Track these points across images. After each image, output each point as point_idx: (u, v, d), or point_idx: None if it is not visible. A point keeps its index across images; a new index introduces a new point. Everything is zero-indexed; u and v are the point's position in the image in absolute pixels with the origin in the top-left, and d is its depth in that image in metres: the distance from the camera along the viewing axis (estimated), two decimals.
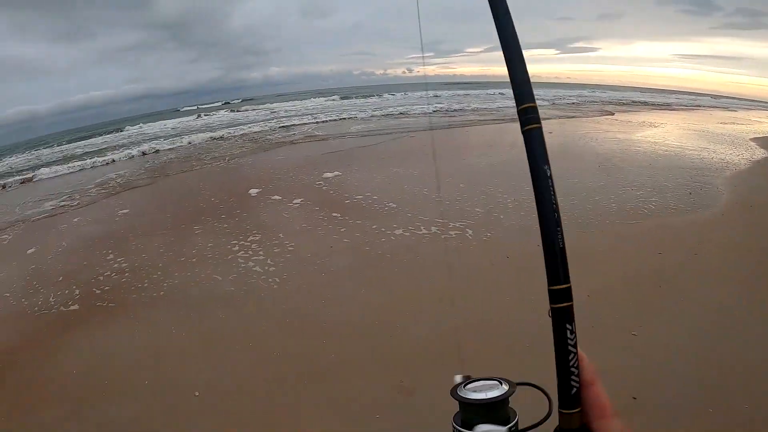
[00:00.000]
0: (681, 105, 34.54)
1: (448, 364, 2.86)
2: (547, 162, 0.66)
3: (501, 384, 0.71)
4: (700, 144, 13.36)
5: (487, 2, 0.77)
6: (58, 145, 26.09)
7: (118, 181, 11.20)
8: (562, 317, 0.62)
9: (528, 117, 0.67)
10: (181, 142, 17.79)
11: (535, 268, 3.01)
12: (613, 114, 23.32)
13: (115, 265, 5.54)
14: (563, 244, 0.64)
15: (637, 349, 3.63)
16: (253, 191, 8.38)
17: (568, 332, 0.62)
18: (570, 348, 0.62)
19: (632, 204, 6.89)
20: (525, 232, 5.73)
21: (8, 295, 5.17)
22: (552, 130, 15.19)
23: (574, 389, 0.61)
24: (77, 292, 4.97)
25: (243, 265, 5.12)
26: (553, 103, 28.39)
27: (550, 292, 0.63)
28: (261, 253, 5.42)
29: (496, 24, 0.76)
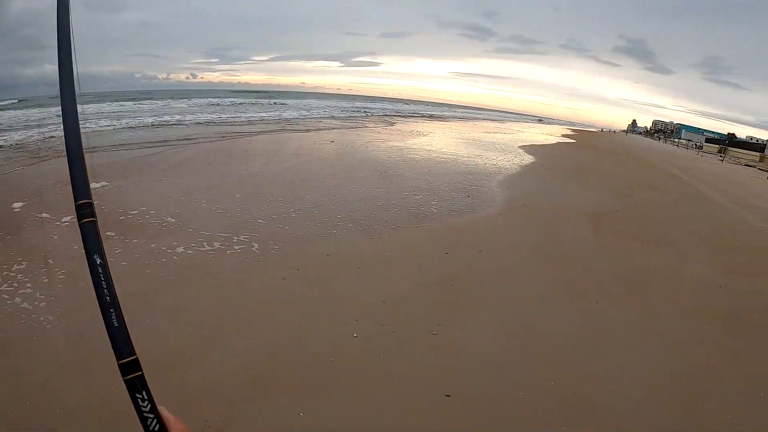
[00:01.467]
0: (457, 117, 40.57)
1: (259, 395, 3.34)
2: (100, 252, 0.75)
3: None
4: (475, 151, 15.84)
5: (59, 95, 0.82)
6: None
7: None
8: (134, 387, 0.67)
9: (84, 212, 0.75)
10: None
11: (327, 277, 5.53)
12: (393, 124, 25.75)
13: None
14: (119, 322, 0.70)
15: (442, 348, 4.05)
16: (17, 205, 7.73)
17: (140, 400, 0.67)
18: (146, 414, 0.66)
19: (415, 209, 7.98)
20: (311, 241, 6.35)
21: None
22: (333, 140, 16.36)
23: None
24: None
25: (9, 303, 4.93)
26: (334, 116, 30.65)
27: (119, 366, 0.68)
28: (29, 285, 5.24)
29: (63, 121, 0.81)
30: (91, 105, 29.40)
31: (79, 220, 0.77)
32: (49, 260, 5.88)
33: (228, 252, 6.05)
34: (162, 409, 0.69)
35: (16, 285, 5.34)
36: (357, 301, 4.90)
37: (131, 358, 0.70)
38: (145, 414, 0.67)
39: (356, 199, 8.56)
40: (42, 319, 4.73)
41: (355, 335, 4.21)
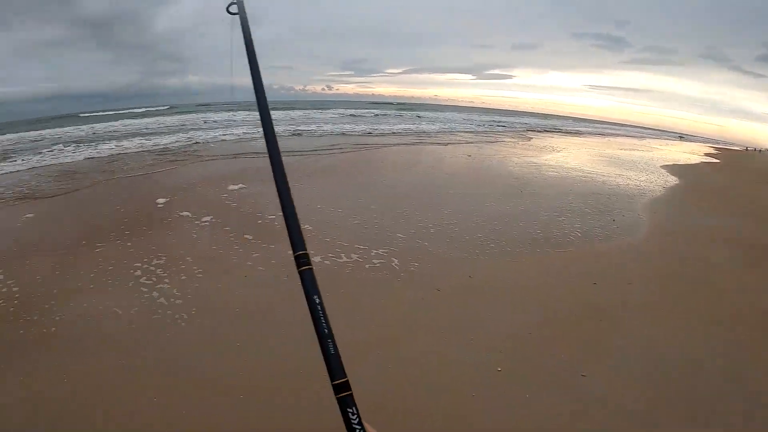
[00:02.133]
0: (593, 132, 38.12)
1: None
2: (317, 293, 0.87)
3: None
4: (615, 170, 14.51)
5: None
6: None
7: (17, 189, 9.83)
8: (346, 404, 0.77)
9: (301, 261, 0.88)
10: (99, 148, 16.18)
11: (467, 300, 5.05)
12: (529, 139, 24.85)
13: (4, 289, 4.91)
14: (335, 349, 0.81)
15: (592, 394, 3.54)
16: (161, 201, 7.91)
17: (350, 414, 0.76)
18: (354, 426, 0.76)
19: (557, 231, 7.19)
20: (450, 261, 5.83)
21: None
22: (470, 154, 15.85)
23: None
24: None
25: (147, 295, 4.74)
26: (468, 130, 29.80)
27: (333, 386, 0.78)
28: (166, 280, 5.06)
29: (277, 187, 0.98)
30: (240, 112, 31.91)
31: (297, 267, 0.89)
32: (188, 258, 5.55)
33: (367, 266, 5.63)
34: (366, 424, 0.78)
35: (154, 279, 5.19)
36: (500, 330, 4.37)
37: (343, 380, 0.79)
38: (354, 425, 0.77)
39: (495, 217, 7.82)
40: (177, 316, 4.42)
41: (499, 369, 3.75)
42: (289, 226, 0.93)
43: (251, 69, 1.13)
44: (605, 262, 6.23)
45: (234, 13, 1.30)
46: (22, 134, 24.70)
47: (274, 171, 1.00)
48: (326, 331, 0.83)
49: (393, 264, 5.65)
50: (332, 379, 0.78)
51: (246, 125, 23.68)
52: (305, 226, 6.56)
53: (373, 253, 5.90)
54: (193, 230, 6.66)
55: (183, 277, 5.16)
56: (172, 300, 4.67)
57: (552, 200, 9.33)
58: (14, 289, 4.97)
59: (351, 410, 0.76)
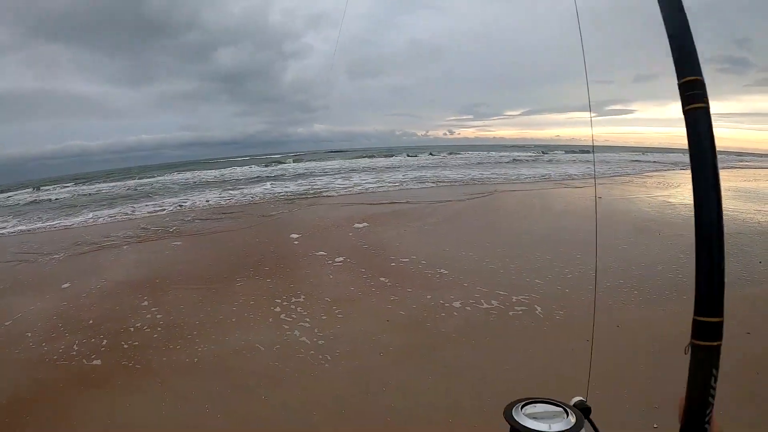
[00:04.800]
0: (722, 164, 33.50)
1: None
2: (714, 154, 0.61)
3: (567, 414, 0.67)
4: (753, 206, 12.65)
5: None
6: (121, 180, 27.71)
7: (163, 227, 11.21)
8: (710, 359, 0.55)
9: (694, 93, 0.61)
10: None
11: (621, 354, 4.24)
12: (658, 177, 22.68)
13: (148, 317, 5.34)
14: (721, 264, 0.57)
15: None
16: (294, 236, 8.19)
17: (713, 379, 0.55)
18: (710, 399, 0.55)
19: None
20: (598, 309, 5.26)
21: (30, 335, 5.03)
22: (601, 195, 14.79)
23: None
24: (104, 343, 4.77)
25: (288, 333, 4.77)
26: (589, 169, 27.91)
27: (696, 323, 0.57)
28: (307, 319, 5.07)
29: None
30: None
31: (684, 106, 0.63)
32: (326, 298, 5.48)
33: (510, 313, 5.29)
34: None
35: (294, 317, 5.22)
36: (653, 386, 3.75)
37: (717, 320, 0.58)
38: (710, 399, 0.55)
39: (637, 262, 7.06)
40: (320, 357, 4.34)
41: (655, 426, 3.31)
42: (678, 40, 0.65)
43: None
44: (757, 308, 5.45)
45: None
46: (166, 177, 28.78)
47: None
48: (718, 228, 0.60)
49: (536, 311, 5.22)
50: (697, 314, 0.59)
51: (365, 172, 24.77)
52: (441, 270, 6.32)
53: (513, 299, 5.53)
54: (328, 270, 6.72)
55: (324, 317, 5.13)
56: (315, 340, 4.62)
57: (692, 241, 8.10)
58: (158, 316, 5.33)
59: (715, 374, 0.56)
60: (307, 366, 4.17)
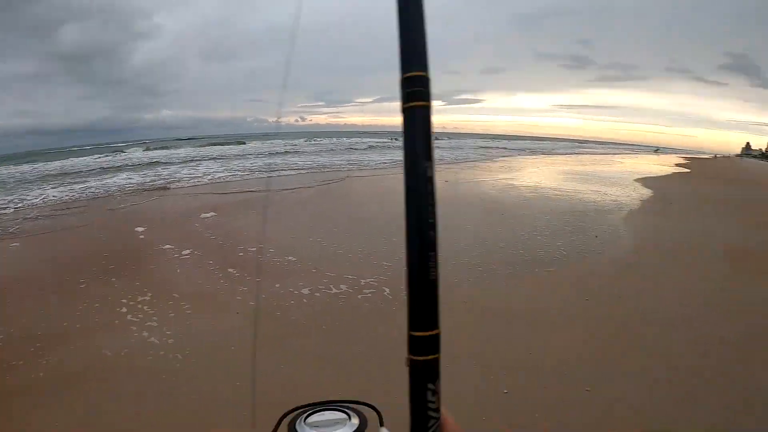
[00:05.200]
0: (565, 151, 39.69)
1: None
2: (430, 157, 0.54)
3: (349, 417, 0.67)
4: (591, 187, 15.16)
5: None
6: None
7: None
8: (426, 373, 0.52)
9: (414, 90, 0.54)
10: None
11: (466, 326, 4.93)
12: (503, 161, 25.66)
13: None
14: (435, 274, 0.54)
15: (598, 405, 3.66)
16: (140, 229, 7.89)
17: (429, 393, 0.51)
18: (431, 413, 0.51)
19: (543, 251, 7.46)
20: (443, 287, 5.88)
21: None
22: (447, 179, 16.33)
23: None
24: None
25: (136, 335, 4.75)
26: (442, 155, 30.39)
27: (411, 339, 0.53)
28: (155, 318, 5.08)
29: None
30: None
31: (403, 103, 0.54)
32: (174, 294, 5.62)
33: (359, 296, 5.68)
34: (444, 412, 0.54)
35: (141, 317, 5.19)
36: (500, 352, 4.49)
37: (432, 333, 0.54)
38: (429, 413, 0.51)
39: (480, 241, 8.07)
40: (171, 356, 4.43)
41: (505, 391, 3.83)
42: (405, 35, 0.56)
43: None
44: (594, 278, 6.49)
45: None
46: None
47: None
48: (432, 233, 0.57)
49: (385, 293, 5.74)
50: (413, 328, 0.55)
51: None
52: (288, 257, 6.75)
53: (362, 282, 6.01)
54: (175, 264, 6.71)
55: (172, 315, 5.19)
56: (164, 339, 4.68)
57: (533, 220, 9.69)
58: None
59: (432, 387, 0.52)
60: (157, 368, 4.19)
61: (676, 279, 6.73)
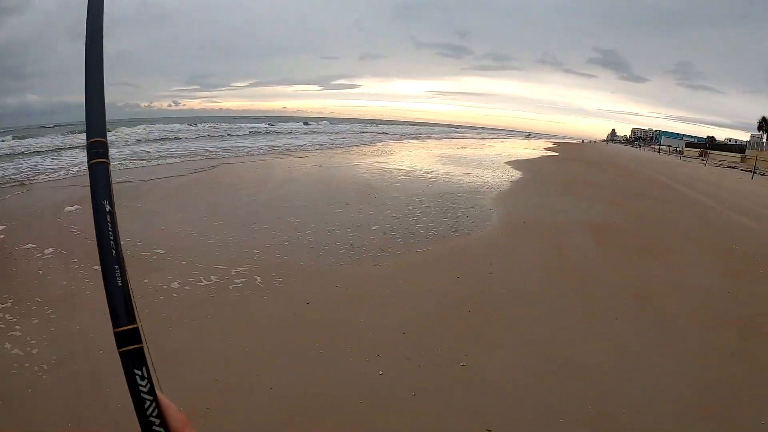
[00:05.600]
0: (439, 135, 41.12)
1: None
2: (110, 199, 0.65)
3: None
4: (463, 170, 15.89)
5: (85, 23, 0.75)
6: None
7: None
8: (131, 362, 0.58)
9: (95, 151, 0.66)
10: None
11: (339, 309, 5.46)
12: (378, 145, 25.82)
13: None
14: (125, 282, 0.63)
15: (473, 380, 3.91)
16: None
17: (138, 378, 0.58)
18: (144, 396, 0.58)
19: (414, 232, 7.84)
20: (316, 272, 6.14)
21: None
22: (321, 164, 16.52)
23: None
24: None
25: None
26: (318, 140, 30.40)
27: (116, 335, 0.60)
28: (18, 327, 4.92)
29: (87, 50, 0.74)
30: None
31: (89, 160, 0.67)
32: (37, 298, 5.54)
33: (230, 287, 5.76)
34: (161, 395, 0.60)
35: (3, 326, 5.02)
36: (375, 335, 4.72)
37: (131, 327, 0.61)
38: (143, 395, 0.58)
39: (353, 224, 8.41)
40: (36, 368, 4.38)
41: (380, 372, 4.04)
42: (89, 104, 0.70)
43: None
44: (465, 256, 6.98)
45: None
46: None
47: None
48: (114, 252, 0.64)
49: (256, 281, 5.91)
50: (115, 326, 0.61)
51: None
52: (157, 250, 6.82)
53: (233, 272, 6.12)
54: (37, 265, 6.46)
55: (36, 321, 5.06)
56: (28, 349, 4.58)
57: (405, 203, 10.07)
58: None
59: (139, 373, 0.59)
60: (23, 382, 4.11)
61: (543, 255, 7.45)
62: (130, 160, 18.70)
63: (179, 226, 8.19)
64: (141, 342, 0.60)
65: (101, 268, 0.64)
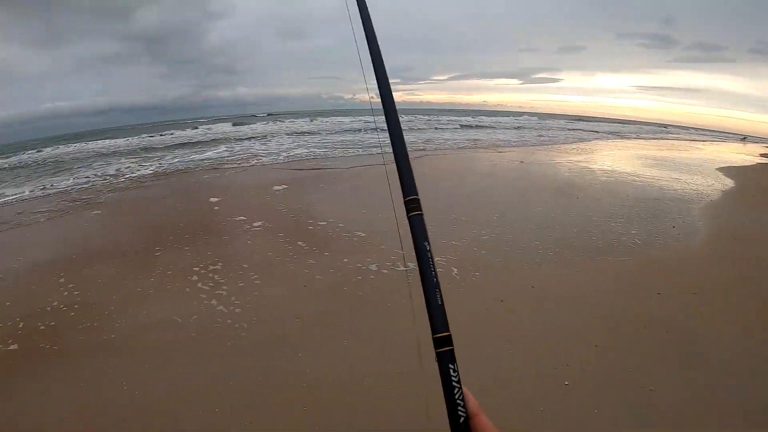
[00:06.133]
0: (644, 135, 36.60)
1: None
2: (427, 240, 0.83)
3: None
4: (671, 174, 13.89)
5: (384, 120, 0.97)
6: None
7: (80, 199, 10.43)
8: (447, 359, 0.75)
9: (412, 206, 0.85)
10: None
11: (532, 311, 4.87)
12: (579, 143, 24.12)
13: (65, 294, 5.11)
14: (441, 300, 0.79)
15: (658, 406, 3.47)
16: (216, 206, 8.06)
17: (451, 371, 0.74)
18: (454, 384, 0.74)
19: (615, 238, 6.94)
20: (511, 270, 5.68)
21: None
22: (522, 159, 15.56)
23: (462, 418, 0.73)
24: (20, 325, 4.53)
25: (206, 303, 4.79)
26: (522, 135, 28.89)
27: (435, 339, 0.76)
28: (224, 287, 5.11)
29: (388, 125, 0.96)
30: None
31: (407, 213, 0.86)
32: (244, 264, 5.57)
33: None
34: (464, 387, 0.75)
35: (212, 285, 5.23)
36: (565, 342, 4.25)
37: (446, 334, 0.77)
38: (453, 383, 0.74)
39: (552, 224, 7.60)
40: (237, 326, 4.42)
41: (566, 383, 3.65)
42: (401, 168, 0.90)
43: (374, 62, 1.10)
44: (668, 271, 5.97)
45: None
46: (82, 145, 26.36)
47: (386, 113, 0.99)
48: (434, 279, 0.80)
49: (453, 273, 5.50)
50: (434, 332, 0.77)
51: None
52: (358, 233, 6.52)
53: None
54: (246, 236, 6.74)
55: (241, 285, 5.19)
56: (232, 308, 4.69)
57: (608, 206, 9.04)
58: (75, 293, 5.15)
59: (452, 367, 0.75)
60: (224, 335, 4.23)
61: (760, 279, 5.91)
62: (339, 148, 19.56)
63: (378, 210, 7.90)
64: (452, 345, 0.76)
65: (424, 289, 0.80)
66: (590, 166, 14.56)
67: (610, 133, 36.91)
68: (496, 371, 3.75)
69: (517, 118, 52.86)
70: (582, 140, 26.54)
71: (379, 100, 1.01)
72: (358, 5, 1.22)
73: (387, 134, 0.95)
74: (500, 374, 3.73)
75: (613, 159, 17.55)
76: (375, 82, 1.07)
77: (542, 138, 27.15)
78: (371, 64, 1.11)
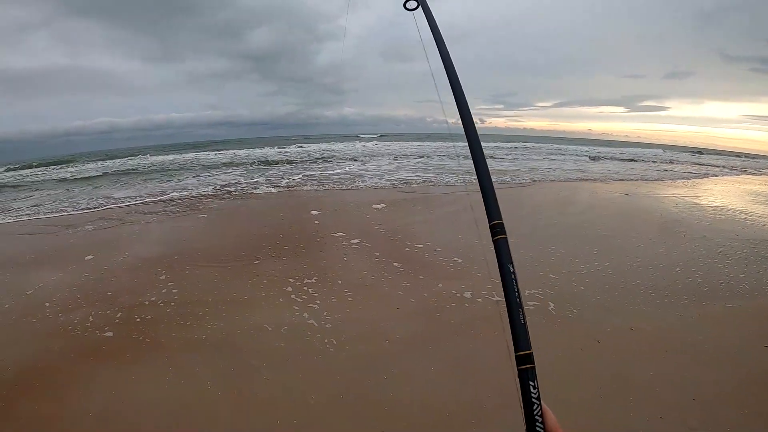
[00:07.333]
0: (758, 169, 31.44)
1: None
2: (511, 262, 0.92)
3: None
4: None
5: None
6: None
7: (191, 205, 11.41)
8: (528, 376, 0.81)
9: (497, 230, 0.97)
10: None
11: (629, 356, 4.30)
12: (689, 178, 21.59)
13: (164, 291, 5.45)
14: (524, 320, 0.87)
15: None
16: (314, 213, 8.17)
17: (531, 387, 0.80)
18: (533, 400, 0.79)
19: (724, 282, 6.07)
20: (610, 309, 5.16)
21: (48, 305, 5.18)
22: (627, 192, 14.27)
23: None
24: (118, 315, 4.88)
25: (297, 314, 4.78)
26: (629, 167, 26.40)
27: (517, 357, 0.83)
28: (317, 301, 5.07)
29: (472, 155, 1.10)
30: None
31: (492, 237, 0.96)
32: (339, 281, 5.48)
33: (526, 307, 4.68)
34: (543, 404, 0.79)
35: (305, 297, 5.23)
36: (662, 391, 3.76)
37: (528, 352, 0.82)
38: (533, 399, 0.79)
39: (655, 263, 6.82)
40: (326, 341, 4.32)
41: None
42: (486, 195, 0.99)
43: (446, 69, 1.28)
44: None
45: (411, 9, 1.33)
46: (192, 155, 29.22)
47: (469, 139, 1.10)
48: (518, 300, 0.86)
49: (550, 308, 5.07)
50: (517, 350, 0.82)
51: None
52: (455, 259, 6.15)
53: (526, 293, 5.40)
54: (343, 252, 6.73)
55: (334, 300, 5.12)
56: (322, 323, 4.61)
57: (716, 246, 7.98)
58: (174, 291, 5.44)
59: (532, 384, 0.79)
60: (311, 349, 4.16)
61: None
62: (440, 171, 19.43)
63: (477, 238, 7.38)
64: (534, 363, 0.82)
65: (507, 308, 0.88)
66: (698, 202, 13.08)
67: (728, 167, 32.37)
68: (587, 419, 3.37)
69: (626, 149, 48.76)
70: (693, 175, 23.59)
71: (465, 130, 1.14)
72: (435, 41, 1.32)
73: (471, 162, 1.05)
74: (598, 417, 3.37)
75: (722, 195, 15.53)
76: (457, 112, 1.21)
77: (650, 170, 24.69)
78: (452, 95, 1.25)
